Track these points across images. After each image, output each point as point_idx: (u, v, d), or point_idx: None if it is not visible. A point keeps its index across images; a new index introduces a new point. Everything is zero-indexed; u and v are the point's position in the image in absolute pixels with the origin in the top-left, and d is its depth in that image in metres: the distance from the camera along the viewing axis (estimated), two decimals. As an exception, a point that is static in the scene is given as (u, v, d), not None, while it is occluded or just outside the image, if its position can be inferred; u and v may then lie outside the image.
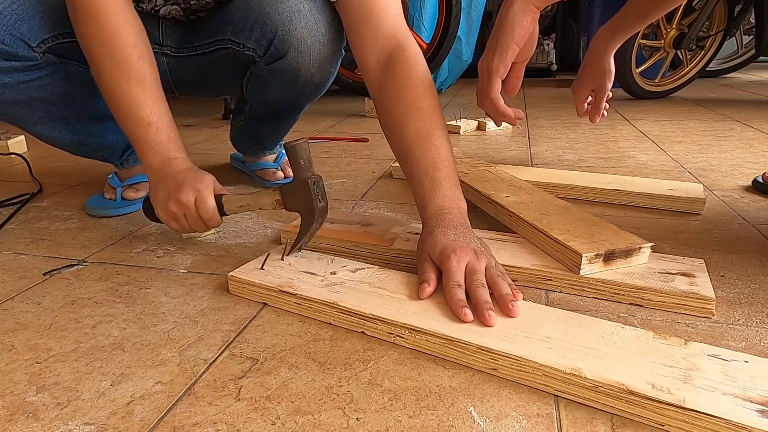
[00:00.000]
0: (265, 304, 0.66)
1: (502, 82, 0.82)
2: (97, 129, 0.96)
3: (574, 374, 0.48)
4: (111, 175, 1.05)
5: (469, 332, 0.54)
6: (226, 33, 0.92)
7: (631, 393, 0.45)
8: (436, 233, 0.64)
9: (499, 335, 0.53)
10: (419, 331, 0.55)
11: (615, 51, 1.04)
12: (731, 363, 0.48)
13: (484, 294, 0.57)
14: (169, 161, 0.76)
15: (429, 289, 0.60)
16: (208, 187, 0.75)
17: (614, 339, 0.52)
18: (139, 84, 0.74)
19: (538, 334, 0.53)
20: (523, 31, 0.71)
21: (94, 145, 0.99)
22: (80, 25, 0.74)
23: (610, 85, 1.06)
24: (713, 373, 0.47)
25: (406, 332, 0.56)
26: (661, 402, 0.44)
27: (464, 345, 0.53)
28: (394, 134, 0.74)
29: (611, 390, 0.46)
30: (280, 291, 0.64)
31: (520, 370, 0.50)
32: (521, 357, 0.50)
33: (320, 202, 0.70)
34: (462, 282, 0.59)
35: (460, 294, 0.57)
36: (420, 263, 0.65)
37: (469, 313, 0.55)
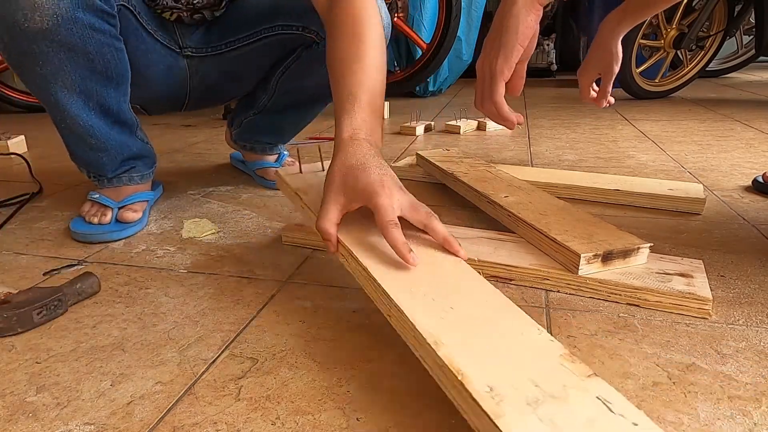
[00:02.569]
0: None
1: (510, 83, 0.80)
2: (107, 126, 0.89)
3: (432, 344, 0.44)
4: (97, 195, 0.93)
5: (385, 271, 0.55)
6: (274, 20, 0.92)
7: (463, 386, 0.40)
8: (355, 166, 0.59)
9: (408, 285, 0.52)
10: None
11: (623, 35, 1.02)
12: (611, 417, 0.37)
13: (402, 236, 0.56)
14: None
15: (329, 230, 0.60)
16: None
17: (514, 336, 0.46)
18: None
19: (448, 299, 0.50)
20: (527, 30, 0.69)
21: (97, 143, 0.90)
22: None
23: (617, 69, 1.04)
24: (574, 415, 0.37)
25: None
26: (481, 409, 0.37)
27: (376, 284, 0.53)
28: (330, 51, 0.70)
29: (450, 375, 0.41)
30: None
31: (401, 324, 0.49)
32: (404, 311, 0.48)
33: None
34: (397, 221, 0.56)
35: (401, 236, 0.55)
36: (330, 195, 0.60)
37: (415, 258, 0.55)
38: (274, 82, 1.03)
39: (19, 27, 0.73)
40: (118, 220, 0.90)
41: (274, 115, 1.11)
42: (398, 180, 0.61)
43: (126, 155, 0.92)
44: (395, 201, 0.58)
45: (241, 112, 1.15)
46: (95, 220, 0.90)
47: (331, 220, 0.60)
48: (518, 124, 0.83)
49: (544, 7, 0.71)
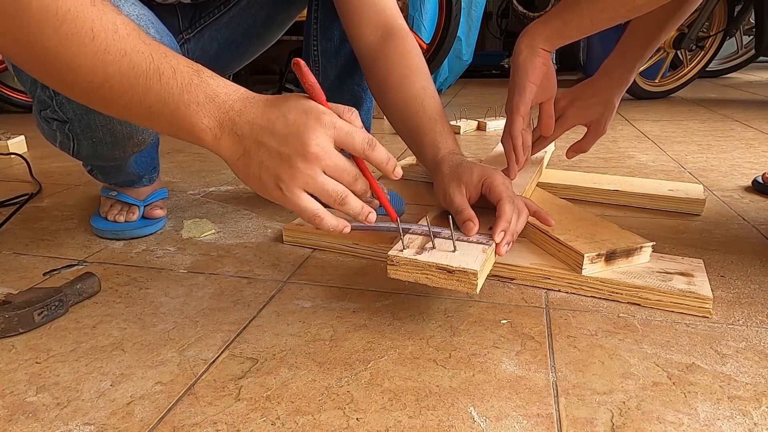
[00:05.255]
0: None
1: (540, 124, 0.85)
2: (148, 151, 0.88)
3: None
4: (115, 193, 0.91)
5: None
6: None
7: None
8: (463, 164, 0.67)
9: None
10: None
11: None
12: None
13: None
14: (232, 111, 0.49)
15: (475, 227, 0.63)
16: (326, 112, 0.49)
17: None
18: (110, 33, 0.45)
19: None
20: (537, 71, 0.74)
21: (125, 180, 0.89)
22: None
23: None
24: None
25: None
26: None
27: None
28: (396, 90, 0.75)
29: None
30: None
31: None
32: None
33: None
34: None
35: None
36: (452, 196, 0.66)
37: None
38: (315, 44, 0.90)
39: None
40: (144, 217, 0.91)
41: (336, 85, 0.93)
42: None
43: (155, 164, 0.93)
44: (506, 179, 0.65)
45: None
46: (121, 218, 0.89)
47: (467, 209, 0.65)
48: (519, 167, 0.82)
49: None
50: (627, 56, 0.86)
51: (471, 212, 0.64)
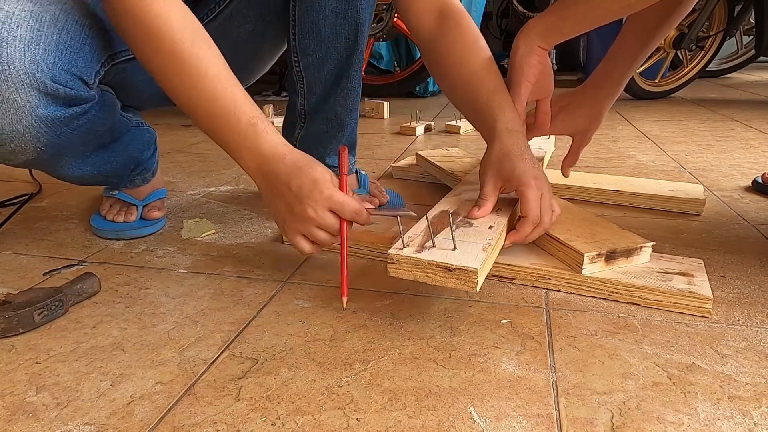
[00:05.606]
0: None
1: (536, 122, 0.85)
2: (107, 156, 0.85)
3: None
4: (116, 192, 0.92)
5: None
6: None
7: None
8: (513, 153, 0.68)
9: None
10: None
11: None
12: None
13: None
14: (268, 163, 0.64)
15: (480, 214, 0.68)
16: (334, 186, 0.64)
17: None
18: (201, 76, 0.62)
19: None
20: (532, 69, 0.75)
21: (107, 173, 0.87)
22: (120, 27, 0.63)
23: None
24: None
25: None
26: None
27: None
28: (457, 67, 0.78)
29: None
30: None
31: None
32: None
33: None
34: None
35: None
36: (485, 183, 0.70)
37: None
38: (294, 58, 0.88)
39: (8, 162, 0.68)
40: (143, 218, 0.91)
41: (321, 103, 0.91)
42: (547, 178, 0.69)
43: (131, 163, 0.89)
44: (540, 197, 0.66)
45: (288, 135, 0.97)
46: (120, 218, 0.90)
47: (491, 199, 0.69)
48: None
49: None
50: (616, 68, 0.85)
51: (490, 206, 0.69)
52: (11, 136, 0.64)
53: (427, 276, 0.58)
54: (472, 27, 0.79)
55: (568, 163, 0.93)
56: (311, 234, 0.64)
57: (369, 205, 0.67)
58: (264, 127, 0.64)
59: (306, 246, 0.66)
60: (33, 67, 0.60)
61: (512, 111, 0.72)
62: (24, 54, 0.60)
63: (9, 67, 0.59)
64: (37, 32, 0.61)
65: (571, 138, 0.92)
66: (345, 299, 0.64)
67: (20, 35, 0.60)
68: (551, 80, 0.80)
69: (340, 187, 0.65)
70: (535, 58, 0.74)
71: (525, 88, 0.76)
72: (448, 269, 0.56)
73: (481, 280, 0.57)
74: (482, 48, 0.78)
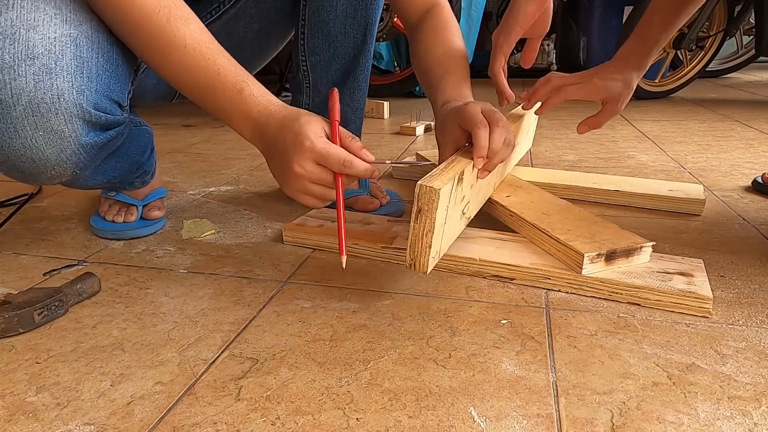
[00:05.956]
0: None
1: (522, 55, 0.87)
2: (115, 162, 0.84)
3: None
4: (114, 192, 0.92)
5: None
6: None
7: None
8: (448, 114, 0.70)
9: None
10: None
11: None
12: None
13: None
14: (259, 126, 0.63)
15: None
16: (316, 135, 0.60)
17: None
18: (179, 49, 0.60)
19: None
20: (528, 17, 0.77)
21: (114, 179, 0.87)
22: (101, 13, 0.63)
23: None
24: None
25: None
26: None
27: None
28: (424, 53, 0.83)
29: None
30: None
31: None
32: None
33: None
34: None
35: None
36: (442, 154, 0.70)
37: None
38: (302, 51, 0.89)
39: (35, 182, 0.69)
40: (143, 218, 0.91)
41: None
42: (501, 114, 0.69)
43: (136, 167, 0.89)
44: (478, 105, 0.67)
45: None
46: (120, 219, 0.89)
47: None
48: (507, 101, 0.84)
49: None
50: (646, 41, 0.85)
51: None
52: (54, 164, 0.64)
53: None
54: (450, 22, 0.84)
55: (590, 122, 0.91)
56: (307, 189, 0.62)
57: (367, 155, 0.62)
58: (251, 91, 0.62)
59: (308, 201, 0.63)
60: (80, 97, 0.60)
61: (453, 89, 0.76)
62: (72, 84, 0.59)
63: (59, 99, 0.59)
64: (80, 59, 0.60)
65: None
66: (344, 258, 0.61)
67: (66, 65, 0.59)
68: (548, 23, 0.82)
69: (332, 136, 0.61)
70: (532, 6, 0.76)
71: (516, 33, 0.78)
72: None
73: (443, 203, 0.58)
74: (453, 40, 0.82)
